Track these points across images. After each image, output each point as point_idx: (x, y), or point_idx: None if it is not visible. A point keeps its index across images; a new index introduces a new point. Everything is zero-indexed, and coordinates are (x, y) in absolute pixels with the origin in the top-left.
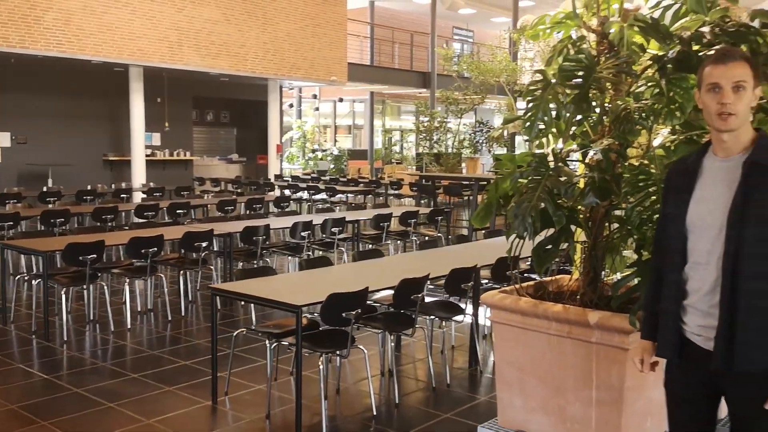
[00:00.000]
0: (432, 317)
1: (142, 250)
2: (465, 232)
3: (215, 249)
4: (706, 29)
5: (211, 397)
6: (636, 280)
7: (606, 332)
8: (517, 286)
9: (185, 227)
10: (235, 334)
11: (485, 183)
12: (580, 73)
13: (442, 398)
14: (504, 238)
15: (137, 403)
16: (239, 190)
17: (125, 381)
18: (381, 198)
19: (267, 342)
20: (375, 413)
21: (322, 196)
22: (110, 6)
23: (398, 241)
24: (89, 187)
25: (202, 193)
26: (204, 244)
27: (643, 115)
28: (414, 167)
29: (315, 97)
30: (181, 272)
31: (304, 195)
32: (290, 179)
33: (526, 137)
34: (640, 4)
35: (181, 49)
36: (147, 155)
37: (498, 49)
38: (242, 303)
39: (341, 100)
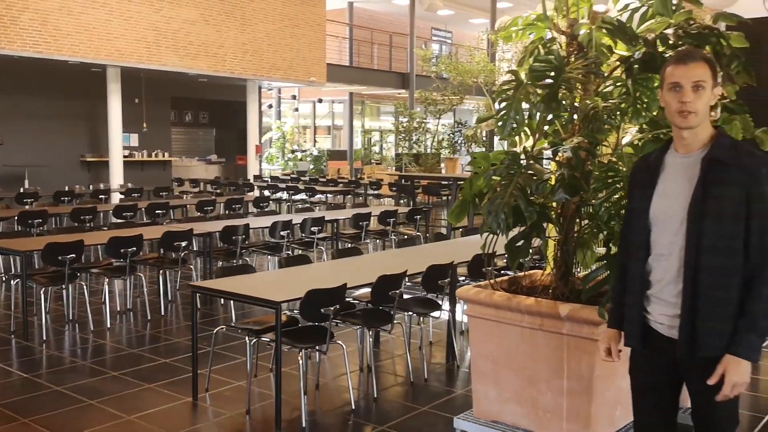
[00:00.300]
0: (410, 313)
1: (122, 250)
2: (444, 231)
3: (194, 249)
4: (670, 31)
5: (191, 393)
6: (605, 274)
7: (576, 324)
8: (492, 281)
9: (164, 227)
10: (215, 331)
11: (462, 182)
12: (551, 74)
13: (419, 392)
14: (478, 237)
15: (117, 400)
16: (218, 191)
17: (105, 379)
18: (360, 198)
19: (247, 339)
20: (354, 407)
21: (302, 196)
22: (87, 6)
23: (377, 240)
24: (66, 188)
25: (181, 194)
26: (183, 244)
27: (611, 114)
28: (393, 167)
29: (294, 97)
30: (161, 272)
31: (283, 195)
32: (269, 180)
33: (499, 136)
34: (609, 6)
35: (159, 50)
36: (125, 156)
37: (476, 50)
38: (222, 302)
39: (320, 100)
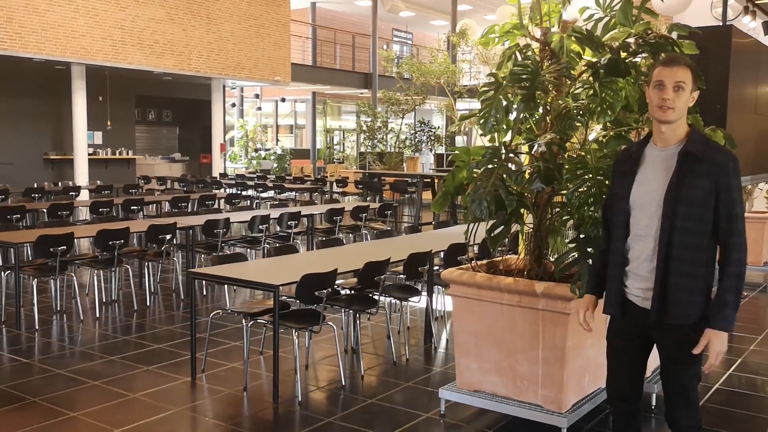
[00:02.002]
0: (391, 299)
1: (110, 242)
2: (405, 228)
3: (176, 242)
4: (631, 40)
5: (190, 374)
6: (574, 255)
7: (551, 300)
8: (473, 264)
9: (149, 221)
10: (211, 315)
11: (429, 180)
12: (527, 77)
13: (402, 370)
14: (452, 229)
15: (120, 381)
16: (185, 188)
17: (104, 363)
18: (327, 195)
19: (243, 321)
20: (343, 384)
21: (270, 194)
22: (53, 4)
23: (350, 235)
24: (36, 185)
25: (149, 191)
26: (168, 237)
27: (580, 113)
28: (356, 166)
29: (257, 96)
30: (146, 264)
31: (251, 192)
32: (236, 178)
33: (480, 132)
34: (576, 17)
35: (125, 48)
36: (89, 154)
37: (438, 52)
38: (204, 292)
39: (283, 99)
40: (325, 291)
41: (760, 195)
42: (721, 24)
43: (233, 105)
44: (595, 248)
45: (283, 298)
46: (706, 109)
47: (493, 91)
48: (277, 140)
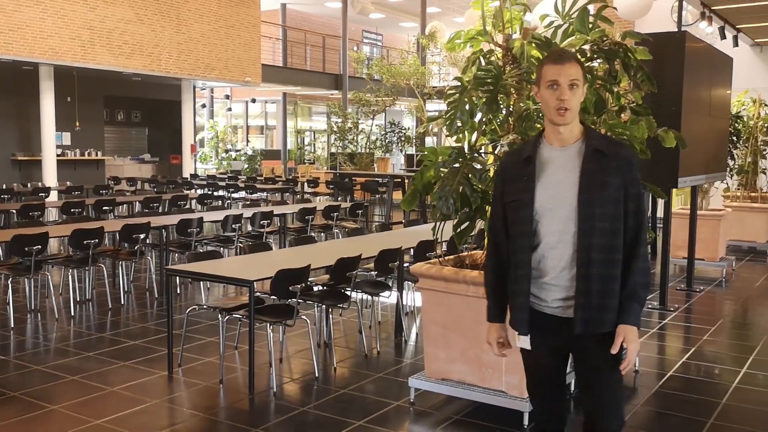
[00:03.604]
0: (363, 294)
1: (84, 242)
2: (376, 227)
3: (149, 242)
4: (587, 47)
5: (167, 368)
6: None
7: None
8: (441, 258)
9: (123, 220)
10: (187, 311)
11: (399, 180)
12: (490, 81)
13: (373, 362)
14: (421, 227)
15: (97, 375)
16: (156, 189)
17: (80, 359)
18: (298, 196)
19: (219, 316)
20: (317, 375)
21: (241, 194)
22: (21, 4)
23: (322, 234)
24: (4, 186)
25: (119, 192)
26: (142, 236)
27: (540, 115)
28: (327, 167)
29: (227, 97)
30: (119, 263)
31: (222, 193)
32: (206, 179)
33: (447, 133)
34: (537, 24)
35: (94, 48)
36: (58, 155)
37: (408, 53)
38: (179, 290)
39: (254, 100)
40: (299, 286)
41: (717, 194)
42: (676, 30)
43: (203, 106)
44: (486, 270)
45: (257, 294)
46: (661, 111)
47: (458, 94)
48: (248, 141)
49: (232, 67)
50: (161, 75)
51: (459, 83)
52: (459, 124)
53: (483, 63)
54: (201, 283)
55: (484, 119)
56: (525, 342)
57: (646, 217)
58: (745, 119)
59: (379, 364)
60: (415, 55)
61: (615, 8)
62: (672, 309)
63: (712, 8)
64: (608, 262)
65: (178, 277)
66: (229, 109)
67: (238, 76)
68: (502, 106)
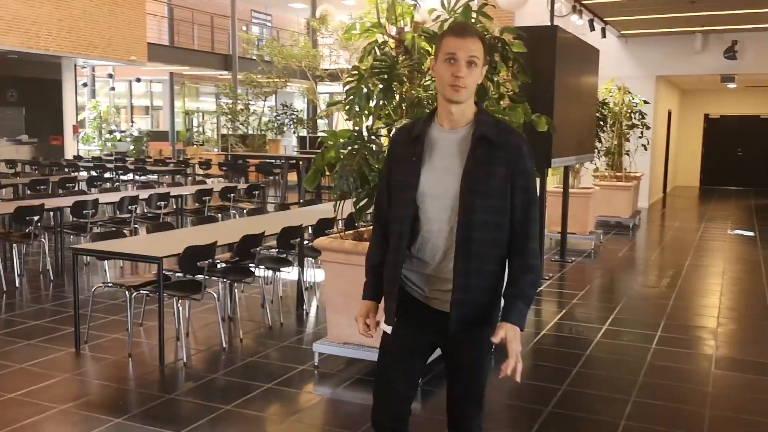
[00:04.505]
0: (265, 270)
1: None
2: (272, 208)
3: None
4: None
5: (73, 345)
6: None
7: None
8: (342, 233)
9: (15, 203)
10: (93, 288)
11: (294, 162)
12: (385, 70)
13: (277, 333)
14: (318, 206)
15: (5, 354)
16: (38, 171)
17: None
18: (190, 178)
19: (127, 293)
20: (224, 346)
21: (130, 176)
22: None
23: (219, 215)
24: None
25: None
26: (36, 218)
27: (430, 101)
28: (218, 149)
29: (111, 76)
30: (12, 246)
31: (110, 175)
32: (93, 161)
33: (346, 117)
34: (426, 18)
35: None
36: None
37: (300, 36)
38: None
39: (138, 80)
40: (206, 262)
41: (587, 173)
42: (549, 24)
43: (84, 85)
44: (371, 245)
45: (163, 271)
46: (536, 98)
47: (356, 82)
48: (132, 122)
49: (116, 46)
50: (40, 52)
51: (357, 72)
52: (357, 109)
53: (378, 53)
54: (101, 263)
55: (380, 105)
56: (387, 327)
57: (536, 211)
58: (611, 105)
59: (283, 334)
60: (306, 38)
61: (495, 2)
62: (547, 278)
63: (583, 2)
64: (489, 257)
65: (74, 259)
66: (113, 89)
67: (122, 55)
68: (396, 93)
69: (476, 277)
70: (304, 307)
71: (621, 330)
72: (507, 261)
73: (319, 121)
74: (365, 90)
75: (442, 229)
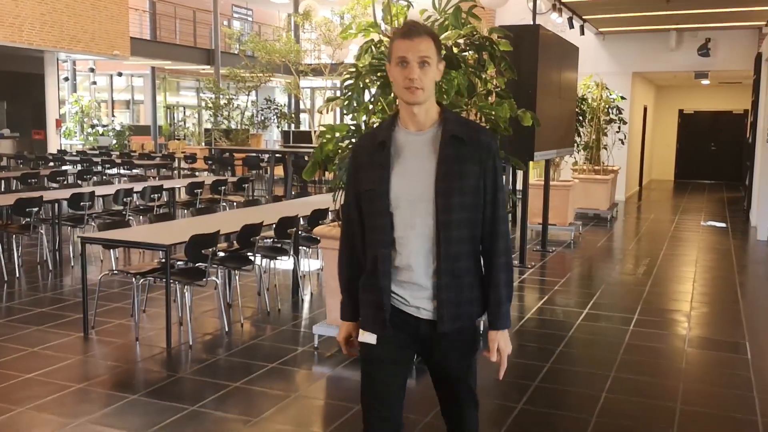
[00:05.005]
0: (263, 258)
1: None
2: (263, 200)
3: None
4: (461, 40)
5: (82, 330)
6: None
7: None
8: (340, 221)
9: (14, 194)
10: (100, 276)
11: (280, 155)
12: (383, 67)
13: (275, 318)
14: (308, 198)
15: (15, 339)
16: (23, 165)
17: None
18: (175, 171)
19: (134, 279)
20: (227, 330)
21: (117, 170)
22: None
23: (218, 206)
24: None
25: None
26: (35, 210)
27: None
28: (202, 143)
29: (92, 71)
30: (12, 237)
31: (97, 169)
32: (80, 155)
33: (345, 112)
34: (419, 18)
35: None
36: None
37: (283, 31)
38: (72, 264)
39: (120, 74)
40: (210, 249)
41: (566, 167)
42: (531, 23)
43: (66, 79)
44: (341, 264)
45: (163, 260)
46: (519, 94)
47: (354, 79)
48: (113, 116)
49: (99, 40)
50: (23, 46)
51: (354, 69)
52: (355, 105)
53: (375, 51)
54: (95, 254)
55: (377, 100)
56: (371, 337)
57: (504, 208)
58: (590, 101)
59: (281, 319)
60: (289, 33)
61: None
62: (529, 266)
63: (562, 1)
64: (467, 255)
65: (71, 249)
66: (94, 83)
67: (105, 49)
68: (391, 89)
69: (457, 277)
70: (300, 293)
71: (600, 313)
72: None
73: (302, 116)
74: (362, 86)
75: (419, 232)
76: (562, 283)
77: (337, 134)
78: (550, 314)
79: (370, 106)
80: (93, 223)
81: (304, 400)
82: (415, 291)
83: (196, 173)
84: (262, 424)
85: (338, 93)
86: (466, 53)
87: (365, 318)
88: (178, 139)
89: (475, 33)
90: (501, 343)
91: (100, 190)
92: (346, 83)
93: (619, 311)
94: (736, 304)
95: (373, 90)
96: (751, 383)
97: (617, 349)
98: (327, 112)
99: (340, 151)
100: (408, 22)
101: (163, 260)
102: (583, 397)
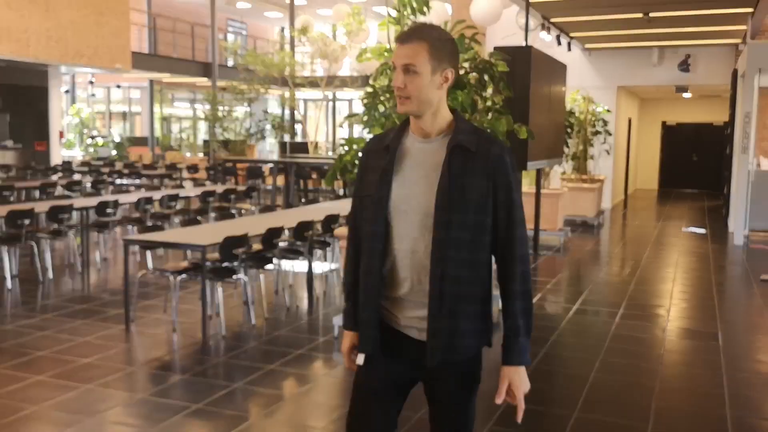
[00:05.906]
0: (283, 258)
1: (18, 221)
2: (277, 208)
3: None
4: (466, 64)
5: (124, 323)
6: None
7: None
8: None
9: (49, 202)
10: (139, 274)
11: (282, 166)
12: None
13: (295, 313)
14: (316, 205)
15: (66, 331)
16: (31, 175)
17: (42, 320)
18: (178, 181)
19: (171, 277)
20: (254, 323)
21: (123, 180)
22: None
23: (235, 212)
24: None
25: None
26: (66, 216)
27: None
28: (201, 154)
29: (91, 83)
30: (46, 242)
31: (108, 179)
32: (86, 165)
33: (364, 127)
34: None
35: None
36: None
37: (281, 46)
38: (98, 267)
39: (118, 86)
40: (241, 249)
41: (556, 176)
42: (524, 45)
43: (66, 91)
44: (347, 271)
45: (193, 260)
46: (514, 108)
47: (371, 98)
48: (110, 127)
49: (102, 54)
50: (30, 60)
51: (372, 89)
52: (373, 121)
53: (390, 74)
54: (147, 252)
55: (391, 116)
56: (360, 357)
57: (523, 229)
58: (577, 114)
59: (300, 314)
60: (286, 48)
61: (469, 17)
62: None
63: (551, 20)
64: (467, 279)
65: (126, 248)
66: (93, 95)
67: (107, 63)
68: None
69: (454, 302)
70: (315, 292)
71: (589, 309)
72: (490, 284)
73: (297, 127)
74: (379, 104)
75: (414, 248)
76: (552, 283)
77: (355, 146)
78: (541, 310)
79: (384, 121)
80: (116, 230)
81: (332, 379)
82: (406, 310)
83: (204, 183)
84: (299, 398)
85: (329, 105)
86: (470, 75)
87: (360, 337)
88: (175, 150)
89: (477, 57)
90: (515, 380)
91: (124, 198)
92: (365, 102)
93: (605, 306)
94: (712, 300)
95: (389, 105)
96: (721, 363)
97: (604, 338)
98: (345, 128)
99: (356, 161)
100: (414, 24)
101: (193, 261)
102: (574, 378)
